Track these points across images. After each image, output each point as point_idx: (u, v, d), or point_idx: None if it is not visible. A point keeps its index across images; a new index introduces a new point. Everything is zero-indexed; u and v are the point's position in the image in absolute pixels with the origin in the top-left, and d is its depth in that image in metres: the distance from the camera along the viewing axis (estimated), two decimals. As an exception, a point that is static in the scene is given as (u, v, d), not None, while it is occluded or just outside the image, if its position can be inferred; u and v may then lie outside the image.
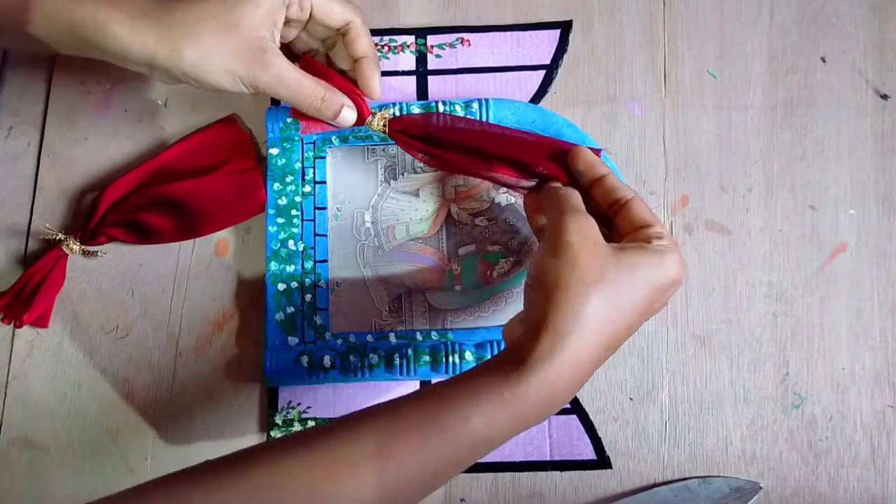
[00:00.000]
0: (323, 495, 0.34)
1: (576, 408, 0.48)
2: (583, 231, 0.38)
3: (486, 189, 0.51)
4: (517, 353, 0.36)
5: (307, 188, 0.51)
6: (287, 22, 0.45)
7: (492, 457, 0.48)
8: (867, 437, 0.47)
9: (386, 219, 0.51)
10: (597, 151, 0.45)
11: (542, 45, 0.54)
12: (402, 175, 0.51)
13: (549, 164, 0.44)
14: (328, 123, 0.48)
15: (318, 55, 0.49)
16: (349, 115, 0.47)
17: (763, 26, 0.53)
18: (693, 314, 0.49)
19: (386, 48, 0.54)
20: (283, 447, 0.35)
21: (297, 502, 0.34)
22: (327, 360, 0.47)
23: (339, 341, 0.49)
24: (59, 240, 0.50)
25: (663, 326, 0.49)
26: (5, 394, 0.50)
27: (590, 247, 0.37)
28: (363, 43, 0.47)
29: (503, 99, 0.51)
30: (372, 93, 0.47)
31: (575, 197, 0.42)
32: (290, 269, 0.49)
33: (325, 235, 0.50)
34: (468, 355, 0.47)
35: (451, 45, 0.54)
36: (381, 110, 0.49)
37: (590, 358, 0.37)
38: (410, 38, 0.54)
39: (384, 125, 0.48)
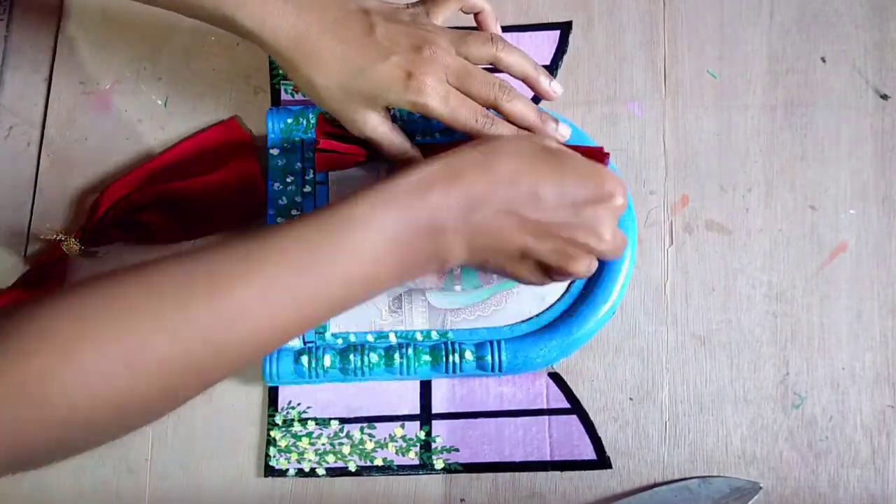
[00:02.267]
0: (221, 296, 0.34)
1: (576, 408, 0.48)
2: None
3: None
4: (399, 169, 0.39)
5: (307, 188, 0.51)
6: None
7: (492, 457, 0.48)
8: (867, 437, 0.47)
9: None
10: (604, 155, 0.45)
11: (542, 46, 0.54)
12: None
13: None
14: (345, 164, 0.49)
15: None
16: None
17: (763, 26, 0.53)
18: (693, 314, 0.49)
19: (386, 48, 0.54)
20: (180, 257, 0.35)
21: (195, 300, 0.34)
22: (327, 360, 0.47)
23: (339, 341, 0.49)
24: (60, 240, 0.50)
25: (663, 326, 0.49)
26: (5, 394, 0.50)
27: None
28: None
29: (503, 99, 0.51)
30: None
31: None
32: (290, 269, 0.49)
33: (326, 235, 0.50)
34: (468, 355, 0.47)
35: (451, 46, 0.54)
36: None
37: (476, 186, 0.38)
38: (410, 39, 0.54)
39: None
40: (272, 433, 0.48)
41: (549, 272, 0.41)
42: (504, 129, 0.44)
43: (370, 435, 0.48)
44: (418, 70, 0.42)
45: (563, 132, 0.46)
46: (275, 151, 0.51)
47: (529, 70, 0.45)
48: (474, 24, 0.49)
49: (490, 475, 0.48)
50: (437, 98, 0.42)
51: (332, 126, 0.47)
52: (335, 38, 0.42)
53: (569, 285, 0.49)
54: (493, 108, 0.44)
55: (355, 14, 0.43)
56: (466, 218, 0.38)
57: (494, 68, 0.45)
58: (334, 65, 0.42)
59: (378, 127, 0.45)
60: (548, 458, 0.48)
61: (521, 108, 0.44)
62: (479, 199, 0.38)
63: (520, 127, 0.44)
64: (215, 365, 0.35)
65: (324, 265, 0.36)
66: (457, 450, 0.48)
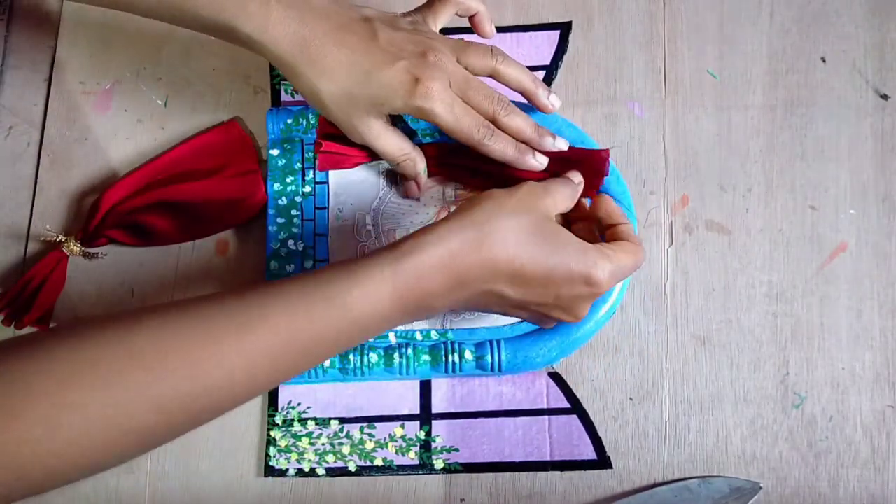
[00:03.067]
0: (203, 359, 0.34)
1: (576, 408, 0.48)
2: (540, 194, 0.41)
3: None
4: (406, 239, 0.39)
5: (307, 188, 0.51)
6: None
7: (492, 457, 0.48)
8: (867, 437, 0.47)
9: (387, 222, 0.51)
10: (604, 159, 0.45)
11: (541, 46, 0.54)
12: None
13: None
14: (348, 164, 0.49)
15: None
16: (421, 165, 0.48)
17: (763, 26, 0.53)
18: (693, 314, 0.49)
19: (386, 48, 0.54)
20: (166, 313, 0.36)
21: (178, 366, 0.34)
22: (327, 360, 0.47)
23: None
24: (60, 241, 0.50)
25: (663, 326, 0.49)
26: (5, 394, 0.50)
27: (535, 199, 0.41)
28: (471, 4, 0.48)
29: (503, 99, 0.51)
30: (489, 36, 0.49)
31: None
32: (290, 268, 0.49)
33: (326, 235, 0.50)
34: (468, 355, 0.47)
35: (451, 46, 0.54)
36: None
37: (471, 268, 0.38)
38: (410, 39, 0.54)
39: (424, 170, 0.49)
40: (272, 433, 0.48)
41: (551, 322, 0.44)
42: (503, 142, 0.44)
43: (370, 435, 0.48)
44: (425, 75, 0.42)
45: (561, 146, 0.46)
46: (275, 151, 0.51)
47: (528, 83, 0.46)
48: (448, 25, 0.50)
49: (490, 475, 0.48)
50: (444, 105, 0.42)
51: (334, 127, 0.47)
52: (339, 44, 0.42)
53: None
54: (491, 121, 0.44)
55: (357, 21, 0.44)
56: (453, 295, 0.39)
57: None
58: (339, 71, 0.42)
59: (380, 135, 0.45)
60: (548, 458, 0.48)
61: (519, 123, 0.45)
62: (469, 281, 0.39)
63: (517, 140, 0.45)
64: (191, 424, 0.36)
65: (309, 342, 0.37)
66: (457, 450, 0.48)
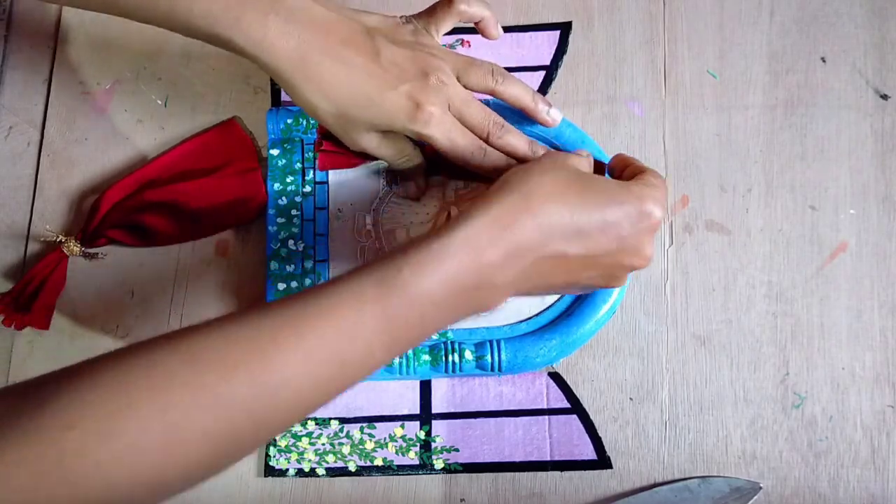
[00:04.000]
0: (264, 361, 0.33)
1: (576, 408, 0.48)
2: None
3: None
4: (447, 220, 0.38)
5: (307, 188, 0.51)
6: None
7: (492, 457, 0.48)
8: (867, 437, 0.47)
9: (387, 222, 0.51)
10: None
11: (541, 46, 0.54)
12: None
13: None
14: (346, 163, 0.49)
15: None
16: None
17: (763, 26, 0.53)
18: (693, 314, 0.49)
19: (386, 48, 0.54)
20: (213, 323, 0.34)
21: (238, 368, 0.32)
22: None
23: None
24: (60, 241, 0.50)
25: (663, 326, 0.49)
26: (6, 394, 0.50)
27: (561, 159, 0.40)
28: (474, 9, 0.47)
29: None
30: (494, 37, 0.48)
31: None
32: (289, 268, 0.49)
33: (325, 235, 0.50)
34: (468, 354, 0.47)
35: (451, 47, 0.54)
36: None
37: (524, 230, 0.36)
38: (410, 39, 0.54)
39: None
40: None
41: (602, 286, 0.41)
42: (495, 160, 0.45)
43: (370, 435, 0.48)
44: (426, 101, 0.42)
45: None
46: (275, 151, 0.51)
47: (527, 102, 0.46)
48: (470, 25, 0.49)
49: (490, 475, 0.48)
50: (441, 130, 0.43)
51: None
52: (339, 62, 0.42)
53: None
54: (485, 141, 0.45)
55: (359, 35, 0.43)
56: (513, 266, 0.36)
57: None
58: (339, 90, 0.42)
59: (380, 145, 0.45)
60: (548, 458, 0.48)
61: (513, 140, 0.46)
62: (527, 247, 0.36)
63: (512, 157, 0.46)
64: (257, 435, 0.34)
65: (369, 333, 0.34)
66: (457, 450, 0.48)
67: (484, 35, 0.48)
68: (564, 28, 0.54)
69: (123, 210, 0.50)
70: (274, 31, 0.40)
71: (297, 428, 0.48)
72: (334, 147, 0.47)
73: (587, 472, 0.47)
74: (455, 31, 0.53)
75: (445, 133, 0.43)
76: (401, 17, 0.46)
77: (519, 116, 0.50)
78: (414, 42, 0.44)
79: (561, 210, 0.37)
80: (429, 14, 0.46)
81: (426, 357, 0.48)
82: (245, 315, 0.34)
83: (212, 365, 0.32)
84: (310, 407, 0.35)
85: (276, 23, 0.40)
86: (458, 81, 0.44)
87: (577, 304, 0.48)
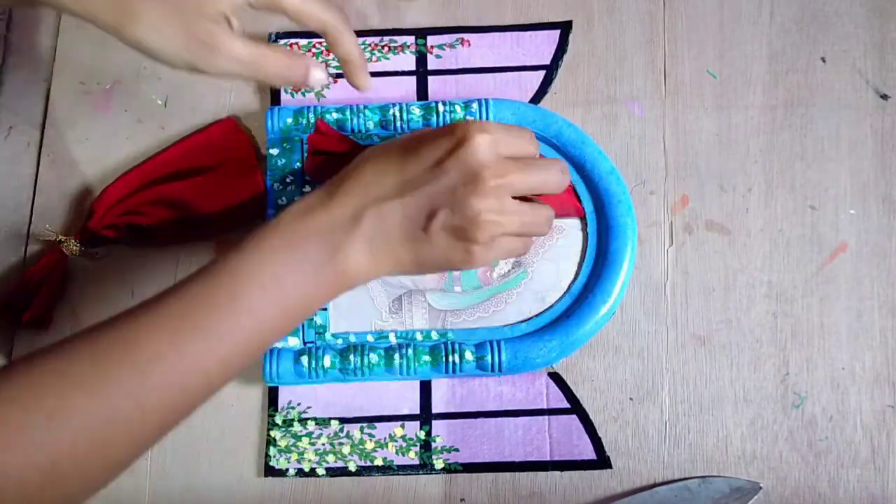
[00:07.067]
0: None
1: (576, 408, 0.48)
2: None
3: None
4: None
5: (307, 188, 0.51)
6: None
7: (492, 457, 0.48)
8: (867, 437, 0.47)
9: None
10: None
11: (541, 46, 0.54)
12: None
13: None
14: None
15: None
16: (318, 74, 0.41)
17: (763, 26, 0.53)
18: (693, 314, 0.49)
19: (386, 48, 0.54)
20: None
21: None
22: (327, 360, 0.47)
23: (339, 341, 0.49)
24: (60, 241, 0.50)
25: (663, 326, 0.49)
26: (5, 394, 0.50)
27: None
28: (344, 47, 0.42)
29: (503, 99, 0.51)
30: (363, 88, 0.44)
31: None
32: (290, 269, 0.49)
33: (325, 236, 0.50)
34: (468, 355, 0.47)
35: (451, 46, 0.54)
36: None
37: (344, 201, 0.38)
38: (410, 39, 0.54)
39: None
40: (272, 433, 0.48)
41: (469, 237, 0.39)
42: None
43: (370, 435, 0.48)
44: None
45: (317, 76, 0.42)
46: (274, 151, 0.51)
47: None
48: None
49: (490, 475, 0.48)
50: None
51: (323, 143, 0.48)
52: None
53: (569, 286, 0.49)
54: None
55: None
56: (355, 226, 0.38)
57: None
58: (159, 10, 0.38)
59: (242, 51, 0.39)
60: (548, 458, 0.48)
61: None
62: (359, 204, 0.38)
63: None
64: (145, 423, 0.35)
65: (225, 320, 0.36)
66: (457, 450, 0.48)
67: (347, 78, 0.44)
68: (564, 27, 0.54)
69: (123, 209, 0.50)
70: None
71: (297, 428, 0.48)
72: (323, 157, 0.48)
73: (587, 472, 0.47)
74: (455, 30, 0.54)
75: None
76: None
77: (518, 122, 0.50)
78: None
79: (383, 162, 0.39)
80: None
81: (426, 357, 0.48)
82: (86, 337, 0.35)
83: (52, 388, 0.32)
84: (196, 397, 0.36)
85: None
86: None
87: (577, 305, 0.48)
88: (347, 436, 0.48)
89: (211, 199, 0.50)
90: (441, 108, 0.50)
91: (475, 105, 0.50)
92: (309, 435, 0.48)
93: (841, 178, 0.51)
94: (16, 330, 0.50)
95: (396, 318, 0.49)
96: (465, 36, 0.54)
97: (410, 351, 0.47)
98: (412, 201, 0.38)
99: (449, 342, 0.48)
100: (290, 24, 0.54)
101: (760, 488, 0.47)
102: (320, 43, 0.54)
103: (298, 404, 0.49)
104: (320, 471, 0.48)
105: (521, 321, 0.49)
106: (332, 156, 0.49)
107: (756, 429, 0.48)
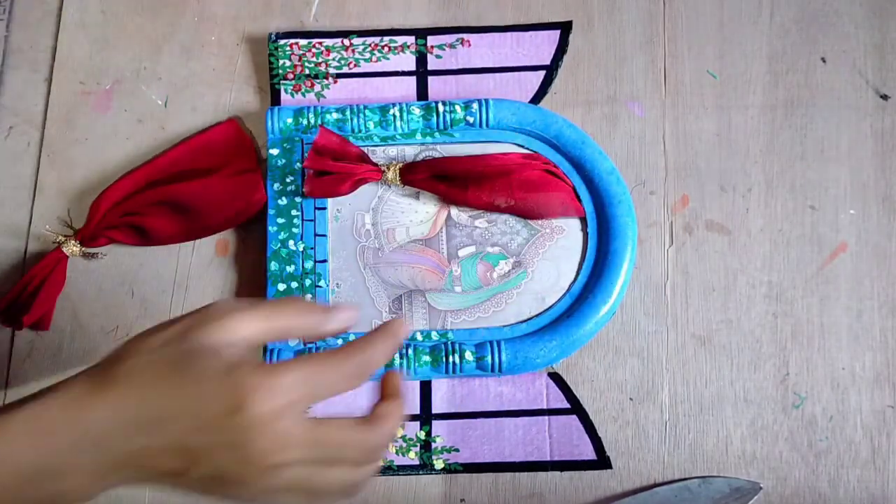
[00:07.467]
0: None
1: (576, 408, 0.48)
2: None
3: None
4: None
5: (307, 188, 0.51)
6: None
7: (492, 457, 0.48)
8: (867, 437, 0.47)
9: (386, 221, 0.51)
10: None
11: (542, 46, 0.54)
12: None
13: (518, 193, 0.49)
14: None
15: None
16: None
17: (763, 26, 0.53)
18: (693, 314, 0.49)
19: (386, 48, 0.54)
20: None
21: None
22: None
23: (339, 341, 0.49)
24: (60, 241, 0.50)
25: (663, 326, 0.49)
26: (5, 395, 0.50)
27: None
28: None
29: (503, 99, 0.51)
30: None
31: None
32: (290, 269, 0.49)
33: (325, 236, 0.50)
34: (468, 355, 0.47)
35: (451, 46, 0.54)
36: (392, 163, 0.50)
37: (100, 420, 0.29)
38: (410, 39, 0.54)
39: (396, 175, 0.49)
40: (272, 433, 0.48)
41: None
42: None
43: (370, 435, 0.48)
44: None
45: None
46: (275, 151, 0.51)
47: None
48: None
49: (490, 475, 0.48)
50: None
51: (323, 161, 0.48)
52: None
53: (569, 286, 0.49)
54: None
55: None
56: (90, 459, 0.29)
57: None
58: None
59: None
60: (548, 458, 0.48)
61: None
62: (102, 435, 0.29)
63: None
64: None
65: None
66: (457, 450, 0.48)
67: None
68: (565, 27, 0.54)
69: (123, 210, 0.50)
70: None
71: (297, 428, 0.48)
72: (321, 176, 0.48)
73: (587, 472, 0.47)
74: (455, 30, 0.54)
75: None
76: None
77: (518, 122, 0.50)
78: None
79: (143, 394, 0.29)
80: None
81: (426, 358, 0.48)
82: None
83: None
84: None
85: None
86: None
87: (577, 305, 0.48)
88: (347, 436, 0.48)
89: (211, 199, 0.50)
90: (441, 107, 0.50)
91: (475, 105, 0.50)
92: (309, 435, 0.48)
93: (841, 178, 0.51)
94: (16, 330, 0.50)
95: (397, 318, 0.49)
96: (466, 36, 0.54)
97: (411, 351, 0.47)
98: (174, 462, 0.29)
99: (449, 342, 0.48)
100: (290, 24, 0.54)
101: (761, 488, 0.47)
102: (320, 43, 0.54)
103: (298, 404, 0.49)
104: (320, 471, 0.48)
105: (521, 321, 0.49)
106: (331, 175, 0.49)
107: (756, 429, 0.48)
